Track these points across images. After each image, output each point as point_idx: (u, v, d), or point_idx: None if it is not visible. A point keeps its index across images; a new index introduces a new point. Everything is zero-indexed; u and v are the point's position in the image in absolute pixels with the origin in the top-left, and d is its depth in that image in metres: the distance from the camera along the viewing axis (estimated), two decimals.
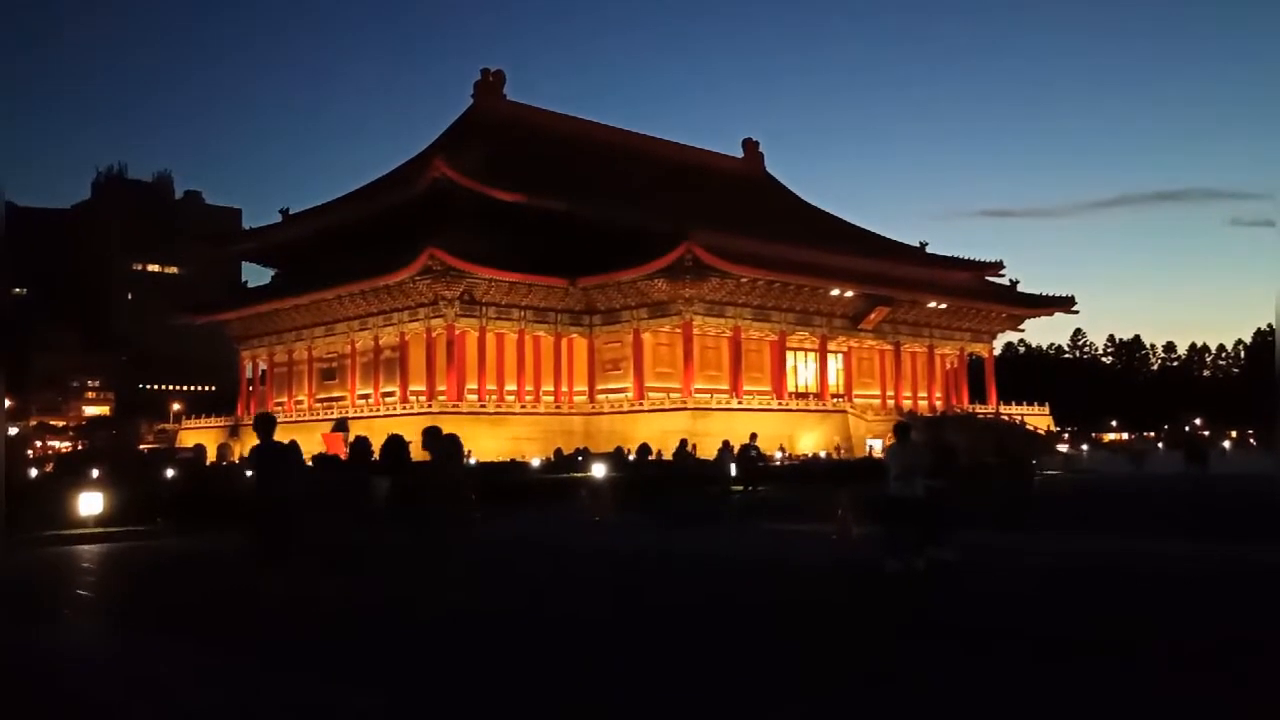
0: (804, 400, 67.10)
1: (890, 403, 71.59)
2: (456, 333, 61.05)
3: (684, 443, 29.65)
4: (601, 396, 65.22)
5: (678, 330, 62.80)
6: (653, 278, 60.20)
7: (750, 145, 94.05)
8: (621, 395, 63.90)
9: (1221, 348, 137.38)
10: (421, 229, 57.56)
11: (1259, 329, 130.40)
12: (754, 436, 34.01)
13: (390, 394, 65.12)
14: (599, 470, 29.28)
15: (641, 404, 61.51)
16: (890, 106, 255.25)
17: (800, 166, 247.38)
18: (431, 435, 11.28)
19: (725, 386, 63.76)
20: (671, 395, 61.35)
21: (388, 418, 56.00)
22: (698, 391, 61.13)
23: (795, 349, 69.26)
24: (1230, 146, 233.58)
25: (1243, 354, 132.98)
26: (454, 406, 58.01)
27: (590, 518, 23.02)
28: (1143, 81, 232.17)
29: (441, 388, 60.57)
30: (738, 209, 72.22)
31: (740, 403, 61.51)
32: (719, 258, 58.23)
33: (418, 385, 62.85)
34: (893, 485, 13.63)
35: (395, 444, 22.53)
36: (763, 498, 28.84)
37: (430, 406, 58.30)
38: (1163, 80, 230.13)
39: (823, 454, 54.54)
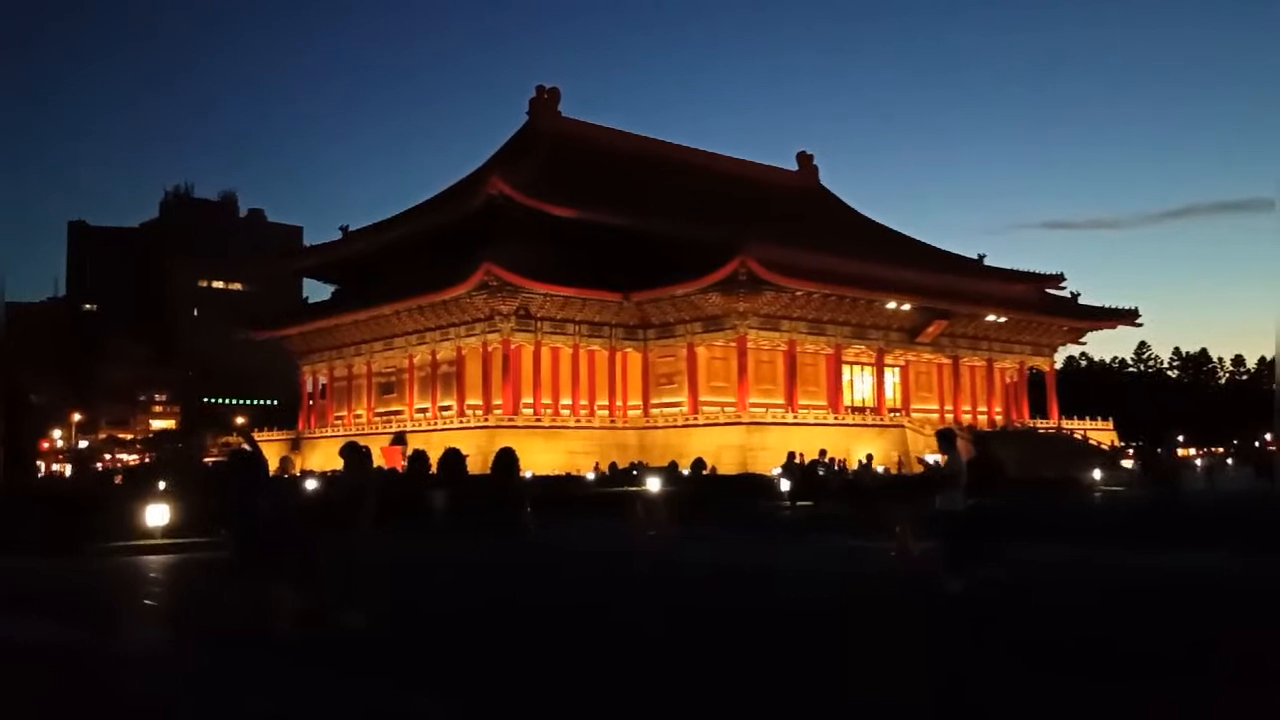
0: (860, 414, 66.53)
1: (949, 417, 70.69)
2: (512, 347, 61.56)
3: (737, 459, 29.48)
4: (656, 410, 65.27)
5: (732, 344, 62.67)
6: (707, 291, 60.18)
7: (805, 159, 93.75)
8: (676, 409, 63.89)
9: None
10: (478, 244, 58.23)
11: None
12: (823, 452, 33.79)
13: (447, 408, 65.81)
14: (653, 484, 29.30)
15: (696, 418, 61.43)
16: (949, 119, 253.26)
17: (856, 180, 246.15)
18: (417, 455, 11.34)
19: (780, 401, 63.45)
20: (726, 410, 61.20)
21: (445, 431, 56.61)
22: (752, 406, 60.91)
23: (851, 363, 68.75)
24: None
25: None
26: (510, 420, 58.45)
27: (645, 530, 23.07)
28: (1206, 90, 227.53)
29: (497, 402, 61.06)
30: (792, 222, 71.98)
31: (795, 417, 61.17)
32: (773, 271, 58.06)
33: (474, 399, 63.44)
34: (938, 500, 13.42)
35: (452, 458, 22.84)
36: (821, 512, 28.66)
37: (487, 420, 58.81)
38: (1225, 88, 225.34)
39: (880, 469, 54.00)
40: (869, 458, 42.52)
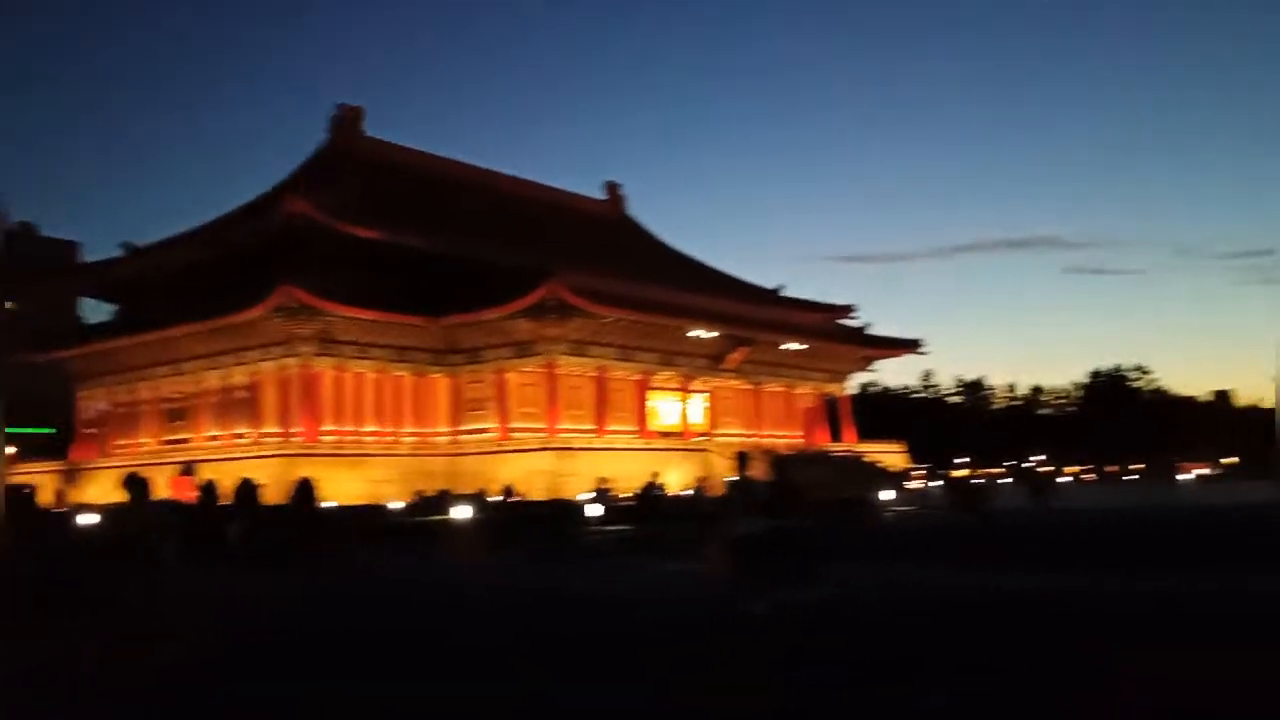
0: (668, 439, 67.64)
1: (753, 440, 72.81)
2: (313, 372, 59.24)
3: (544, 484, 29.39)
4: (465, 437, 64.22)
5: (542, 370, 62.54)
6: (516, 317, 59.87)
7: (612, 187, 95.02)
8: (485, 436, 63.07)
9: (1059, 388, 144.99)
10: (276, 265, 55.78)
11: (1095, 370, 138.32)
12: (656, 475, 34.21)
13: (242, 436, 62.54)
14: (462, 512, 28.72)
15: (506, 444, 60.84)
16: (751, 152, 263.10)
17: (661, 209, 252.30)
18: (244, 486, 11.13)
19: (590, 426, 63.74)
20: (536, 435, 60.91)
21: (240, 460, 53.69)
22: (562, 432, 60.90)
23: (659, 388, 69.89)
24: (1065, 196, 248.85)
25: (1079, 393, 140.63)
26: (309, 449, 56.08)
27: (451, 559, 22.55)
28: (990, 131, 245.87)
29: (296, 429, 58.56)
30: (601, 249, 72.76)
31: (605, 442, 61.56)
32: (583, 298, 58.40)
33: (272, 427, 60.59)
34: (739, 522, 13.44)
35: (245, 489, 21.79)
36: (633, 535, 28.83)
37: (284, 449, 56.22)
38: (1007, 130, 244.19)
39: (678, 491, 54.97)
40: (654, 481, 42.68)
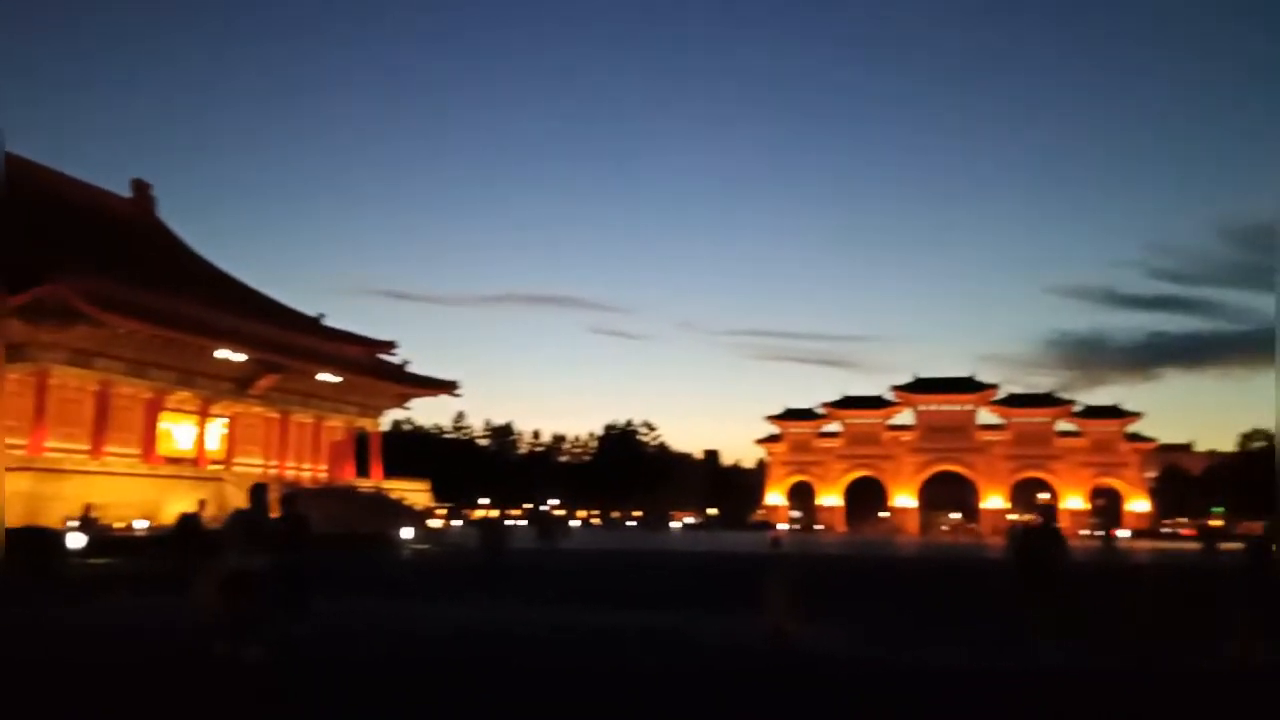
0: (178, 466, 62.63)
1: (274, 472, 69.66)
2: None
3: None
4: None
5: (32, 378, 55.21)
6: (5, 317, 52.39)
7: (141, 186, 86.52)
8: None
9: (578, 438, 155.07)
10: None
11: (610, 423, 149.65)
12: (203, 504, 31.60)
13: None
14: None
15: None
16: (304, 175, 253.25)
17: (199, 218, 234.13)
18: None
19: (86, 446, 57.25)
20: (14, 453, 53.41)
21: None
22: (50, 451, 54.09)
23: (174, 410, 64.62)
24: (592, 261, 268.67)
25: (594, 444, 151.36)
26: None
27: None
28: (529, 189, 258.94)
29: None
30: (120, 252, 66.17)
31: (103, 465, 55.53)
32: (91, 303, 52.67)
33: None
34: (233, 557, 13.07)
35: None
36: (118, 570, 26.36)
37: None
38: (543, 189, 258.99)
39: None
40: (194, 512, 39.65)
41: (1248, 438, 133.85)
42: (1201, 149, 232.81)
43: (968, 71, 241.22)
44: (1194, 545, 64.50)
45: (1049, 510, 19.06)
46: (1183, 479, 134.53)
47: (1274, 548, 17.58)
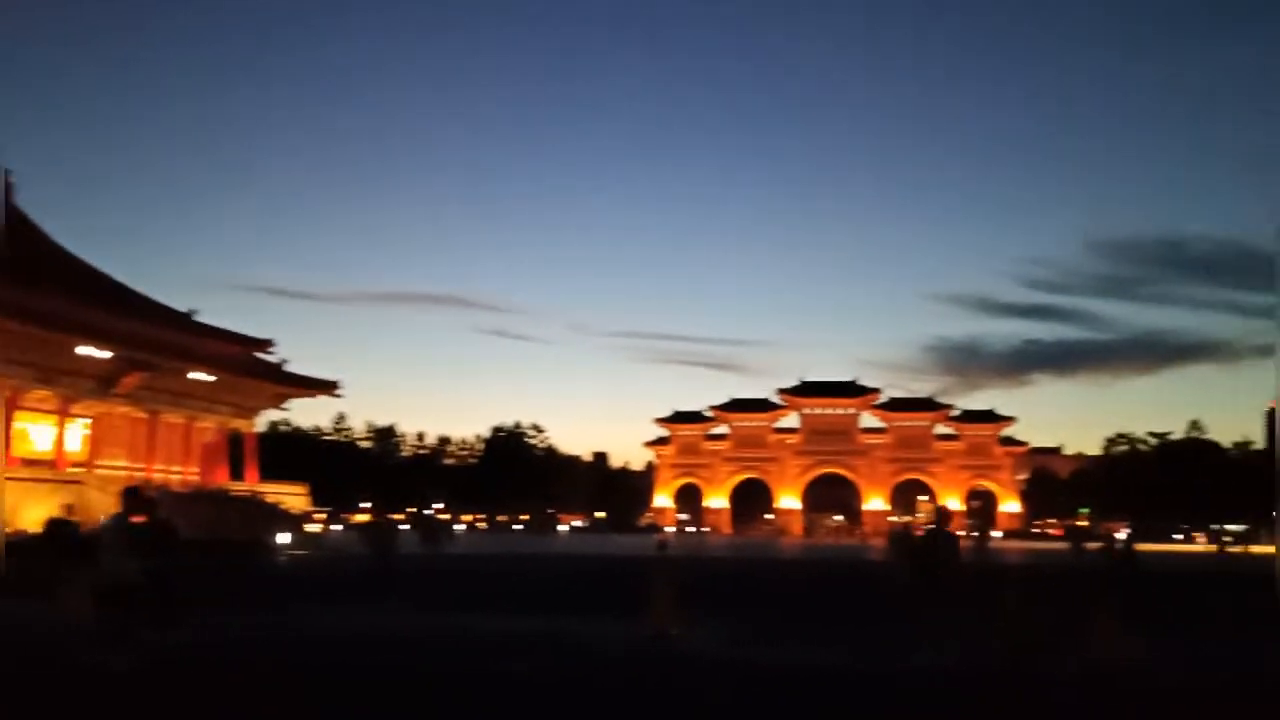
0: (35, 468, 59.24)
1: (141, 475, 66.52)
2: None
3: None
4: None
5: None
6: None
7: None
8: None
9: (464, 440, 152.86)
10: None
11: (497, 426, 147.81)
12: (71, 509, 29.29)
13: None
14: None
15: None
16: (176, 163, 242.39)
17: (66, 210, 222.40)
18: None
19: None
20: None
21: None
22: None
23: (32, 409, 61.14)
24: (481, 260, 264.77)
25: (481, 446, 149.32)
26: None
27: None
28: (418, 182, 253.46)
29: None
30: None
31: None
32: None
33: None
34: (105, 564, 12.46)
35: None
36: None
37: None
38: (435, 184, 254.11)
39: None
40: (65, 517, 37.56)
41: (1111, 442, 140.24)
42: (1068, 165, 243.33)
43: (847, 83, 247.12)
44: (1062, 545, 67.03)
45: (944, 513, 19.21)
46: (1052, 481, 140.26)
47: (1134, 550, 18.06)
